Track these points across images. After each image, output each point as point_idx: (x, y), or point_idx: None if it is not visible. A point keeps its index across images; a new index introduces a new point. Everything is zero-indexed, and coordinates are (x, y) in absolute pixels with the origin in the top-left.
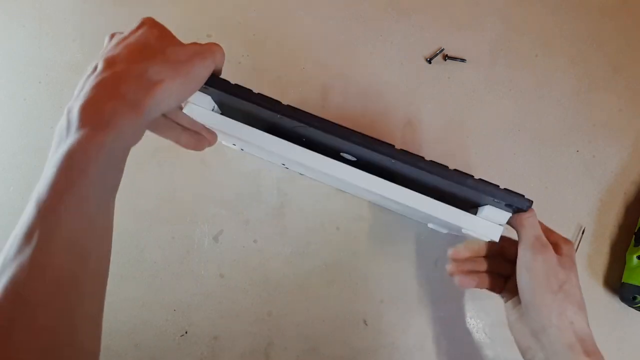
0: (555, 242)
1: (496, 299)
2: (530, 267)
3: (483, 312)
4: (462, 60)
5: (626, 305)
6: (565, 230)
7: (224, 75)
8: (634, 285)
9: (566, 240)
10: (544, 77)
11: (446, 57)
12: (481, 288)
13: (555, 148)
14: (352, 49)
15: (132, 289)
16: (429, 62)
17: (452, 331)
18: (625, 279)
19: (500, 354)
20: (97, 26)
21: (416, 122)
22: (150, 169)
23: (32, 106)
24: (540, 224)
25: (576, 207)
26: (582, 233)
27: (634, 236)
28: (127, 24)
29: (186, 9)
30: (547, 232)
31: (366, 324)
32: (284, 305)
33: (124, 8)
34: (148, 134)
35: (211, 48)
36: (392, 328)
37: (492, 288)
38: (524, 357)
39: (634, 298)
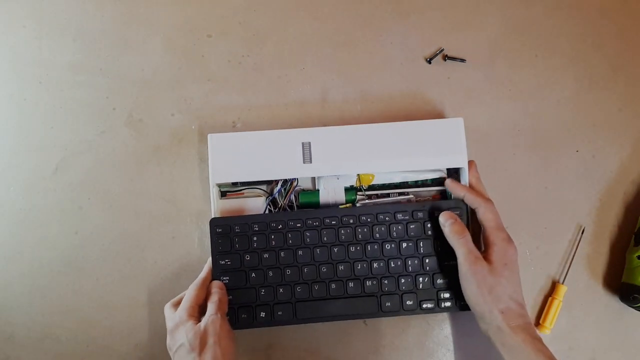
0: (493, 243)
1: None
2: (465, 277)
3: None
4: (462, 60)
5: (626, 305)
6: (565, 230)
7: (223, 77)
8: (634, 285)
9: (504, 240)
10: (544, 77)
11: (446, 57)
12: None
13: (555, 148)
14: (352, 49)
15: (132, 289)
16: (429, 62)
17: (452, 331)
18: (625, 279)
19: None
20: (97, 26)
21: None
22: (150, 169)
23: (32, 106)
24: (495, 219)
25: (576, 207)
26: (582, 233)
27: (633, 236)
28: (127, 24)
29: (186, 9)
30: (491, 231)
31: (366, 324)
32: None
33: (124, 8)
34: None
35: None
36: (392, 328)
37: None
38: (479, 326)
39: (634, 298)
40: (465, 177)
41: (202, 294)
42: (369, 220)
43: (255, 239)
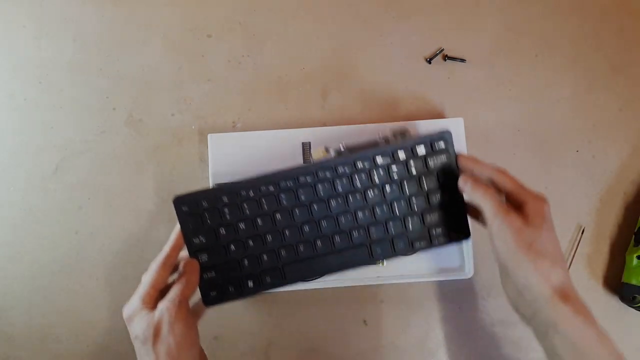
0: (525, 201)
1: (496, 299)
2: (497, 234)
3: (484, 312)
4: (462, 60)
5: (626, 305)
6: (565, 230)
7: (223, 77)
8: (634, 285)
9: (536, 197)
10: (544, 77)
11: (446, 57)
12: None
13: (555, 148)
14: (352, 49)
15: (132, 289)
16: (429, 62)
17: (452, 331)
18: (625, 279)
19: (502, 353)
20: (97, 26)
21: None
22: (150, 169)
23: (32, 106)
24: (513, 181)
25: (576, 207)
26: (582, 233)
27: (633, 236)
28: (127, 24)
29: (186, 9)
30: (518, 191)
31: (366, 324)
32: (284, 305)
33: (123, 8)
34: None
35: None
36: (392, 328)
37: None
38: (518, 314)
39: (634, 298)
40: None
41: (163, 275)
42: (347, 170)
43: (226, 210)
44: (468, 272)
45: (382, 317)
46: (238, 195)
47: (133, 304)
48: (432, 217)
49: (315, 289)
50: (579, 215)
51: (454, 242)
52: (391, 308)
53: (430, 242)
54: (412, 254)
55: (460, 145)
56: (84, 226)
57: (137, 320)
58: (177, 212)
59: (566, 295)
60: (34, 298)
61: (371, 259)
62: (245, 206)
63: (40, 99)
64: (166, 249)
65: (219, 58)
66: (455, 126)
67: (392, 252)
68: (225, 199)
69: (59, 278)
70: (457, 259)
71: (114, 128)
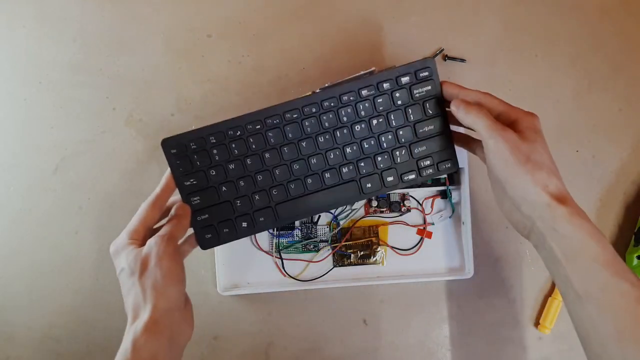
0: (516, 119)
1: (496, 299)
2: (494, 150)
3: (484, 312)
4: (462, 60)
5: None
6: None
7: (223, 77)
8: None
9: (527, 113)
10: (544, 77)
11: (446, 57)
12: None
13: (555, 148)
14: (352, 49)
15: None
16: None
17: (452, 331)
18: None
19: (502, 353)
20: (97, 26)
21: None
22: (150, 169)
23: (32, 106)
24: (501, 102)
25: None
26: None
27: (633, 236)
28: (127, 24)
29: (186, 9)
30: (508, 110)
31: (366, 324)
32: (284, 305)
33: (123, 8)
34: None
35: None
36: (392, 328)
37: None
38: (517, 230)
39: None
40: (465, 178)
41: (153, 215)
42: (332, 104)
43: (215, 151)
44: (468, 272)
45: (382, 317)
46: (225, 135)
47: (121, 239)
48: (420, 149)
49: (315, 289)
50: None
51: (444, 173)
52: (391, 308)
53: (419, 174)
54: (402, 187)
55: None
56: (84, 226)
57: (125, 254)
58: (165, 155)
59: (564, 199)
60: (34, 298)
61: (362, 194)
62: (233, 146)
63: (40, 99)
64: (157, 190)
65: (219, 58)
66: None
67: (382, 186)
68: (212, 140)
69: (59, 278)
70: (457, 259)
71: (114, 128)
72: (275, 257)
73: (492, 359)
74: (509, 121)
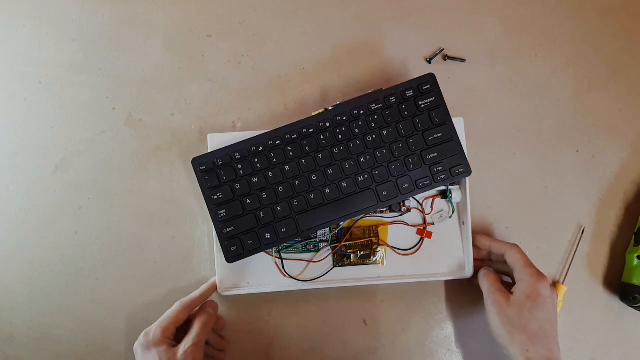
0: (519, 280)
1: None
2: (489, 309)
3: (484, 313)
4: (462, 60)
5: (626, 305)
6: (565, 230)
7: (223, 77)
8: (634, 285)
9: (531, 276)
10: (544, 77)
11: (446, 57)
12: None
13: (555, 148)
14: (352, 49)
15: (132, 289)
16: (429, 62)
17: (452, 331)
18: (625, 279)
19: (502, 353)
20: (97, 26)
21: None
22: (150, 169)
23: (32, 106)
24: (521, 258)
25: (576, 207)
26: (582, 233)
27: (633, 236)
28: (127, 24)
29: (186, 9)
30: (521, 267)
31: (366, 324)
32: (284, 305)
33: (124, 8)
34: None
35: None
36: (392, 328)
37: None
38: (499, 349)
39: (634, 298)
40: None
41: (183, 316)
42: (344, 119)
43: (240, 166)
44: (468, 272)
45: (382, 317)
46: (248, 151)
47: (154, 334)
48: (432, 155)
49: (315, 289)
50: (579, 215)
51: (457, 178)
52: (391, 308)
53: (433, 180)
54: (418, 193)
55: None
56: (84, 226)
57: (156, 352)
58: (195, 172)
59: None
60: (34, 298)
61: (379, 202)
62: (256, 161)
63: (40, 99)
64: (195, 294)
65: (219, 58)
66: (456, 126)
67: (398, 193)
68: (237, 155)
69: (59, 278)
70: (457, 259)
71: (114, 128)
72: (275, 257)
73: (492, 359)
74: (516, 278)
